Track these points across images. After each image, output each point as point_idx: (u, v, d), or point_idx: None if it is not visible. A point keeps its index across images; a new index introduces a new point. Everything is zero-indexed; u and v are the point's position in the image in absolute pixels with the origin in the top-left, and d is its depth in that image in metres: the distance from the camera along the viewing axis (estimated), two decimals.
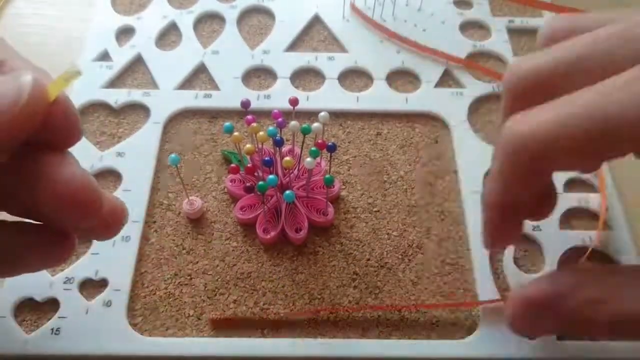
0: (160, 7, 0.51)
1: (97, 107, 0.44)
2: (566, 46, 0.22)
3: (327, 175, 0.34)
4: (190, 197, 0.38)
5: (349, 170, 0.41)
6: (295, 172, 0.39)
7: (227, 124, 0.35)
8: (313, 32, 0.50)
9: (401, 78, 0.46)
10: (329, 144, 0.34)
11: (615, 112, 0.19)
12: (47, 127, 0.22)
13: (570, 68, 0.22)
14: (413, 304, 0.34)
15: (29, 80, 0.21)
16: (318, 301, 0.34)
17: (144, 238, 0.37)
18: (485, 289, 0.35)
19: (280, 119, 0.35)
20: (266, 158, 0.34)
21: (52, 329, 0.33)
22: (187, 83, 0.45)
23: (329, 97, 0.44)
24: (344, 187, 0.40)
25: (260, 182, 0.33)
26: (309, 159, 0.33)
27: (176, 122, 0.43)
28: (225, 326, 0.33)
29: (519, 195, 0.24)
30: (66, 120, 0.23)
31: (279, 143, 0.35)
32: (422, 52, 0.47)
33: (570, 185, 0.40)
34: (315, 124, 0.35)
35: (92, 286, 0.35)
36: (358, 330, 0.34)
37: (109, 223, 0.25)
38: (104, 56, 0.47)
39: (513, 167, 0.22)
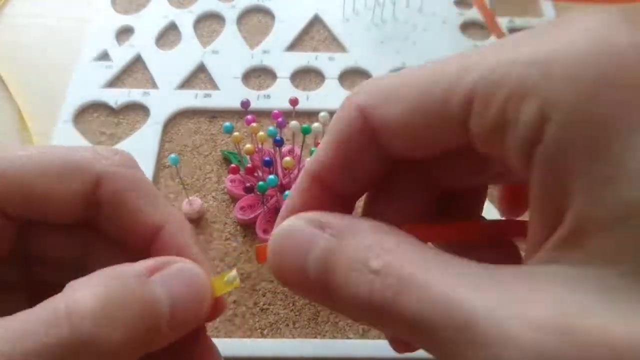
0: (160, 7, 0.51)
1: (97, 107, 0.44)
2: None
3: None
4: (190, 197, 0.38)
5: None
6: (295, 172, 0.38)
7: (226, 124, 0.35)
8: (313, 32, 0.50)
9: None
10: None
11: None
12: None
13: None
14: None
15: (206, 282, 0.21)
16: None
17: None
18: None
19: (280, 119, 0.35)
20: (266, 158, 0.34)
21: None
22: (187, 83, 0.45)
23: (329, 97, 0.44)
24: None
25: (260, 182, 0.33)
26: (309, 159, 0.33)
27: (176, 122, 0.43)
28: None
29: (344, 159, 0.19)
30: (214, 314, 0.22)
31: (279, 143, 0.35)
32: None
33: None
34: (315, 124, 0.35)
35: None
36: (358, 330, 0.33)
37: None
38: (104, 56, 0.47)
39: (337, 123, 0.19)
